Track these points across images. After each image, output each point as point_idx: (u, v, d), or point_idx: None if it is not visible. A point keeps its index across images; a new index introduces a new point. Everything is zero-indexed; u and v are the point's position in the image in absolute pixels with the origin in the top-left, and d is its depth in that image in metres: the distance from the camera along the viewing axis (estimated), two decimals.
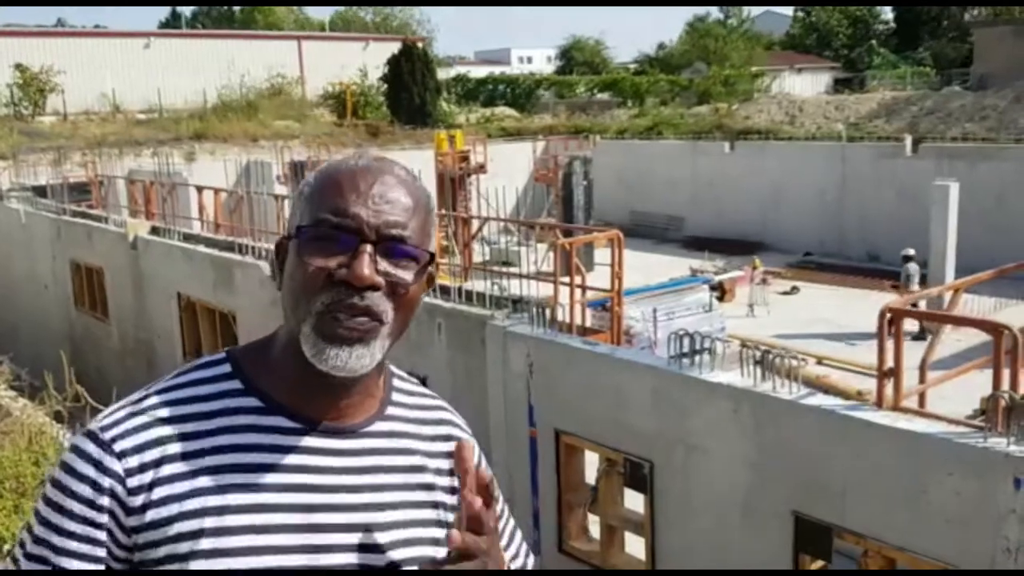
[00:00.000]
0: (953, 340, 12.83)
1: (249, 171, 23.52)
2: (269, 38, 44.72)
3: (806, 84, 50.99)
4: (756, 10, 65.78)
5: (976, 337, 11.23)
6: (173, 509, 1.22)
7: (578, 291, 9.98)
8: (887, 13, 61.51)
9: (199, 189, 18.56)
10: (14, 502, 4.63)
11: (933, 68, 49.78)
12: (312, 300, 1.24)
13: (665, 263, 22.97)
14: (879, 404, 6.49)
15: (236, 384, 1.32)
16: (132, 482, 1.22)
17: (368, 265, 1.22)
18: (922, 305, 13.71)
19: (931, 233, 17.70)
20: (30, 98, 32.21)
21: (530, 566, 1.52)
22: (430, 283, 1.35)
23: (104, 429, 1.26)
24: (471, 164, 27.28)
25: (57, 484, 1.24)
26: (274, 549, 1.23)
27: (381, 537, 1.29)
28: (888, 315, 6.55)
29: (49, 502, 1.24)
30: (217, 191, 18.59)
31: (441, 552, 1.26)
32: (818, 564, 6.63)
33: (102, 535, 1.22)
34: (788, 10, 67.98)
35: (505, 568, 1.29)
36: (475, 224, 19.38)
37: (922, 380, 7.58)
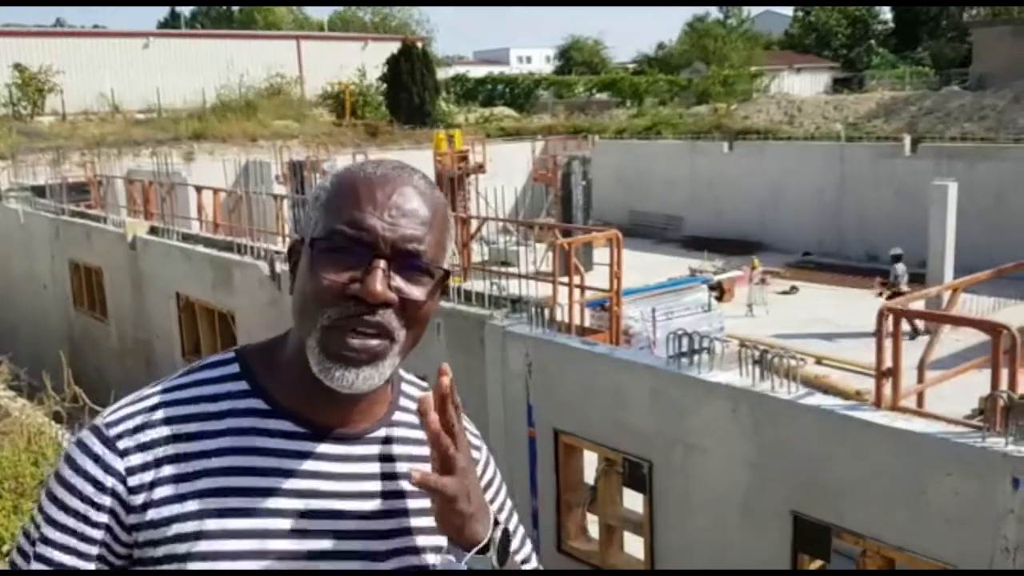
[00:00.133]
0: (952, 340, 12.84)
1: (248, 171, 23.51)
2: (268, 38, 44.72)
3: (805, 84, 51.01)
4: (756, 10, 65.87)
5: (975, 337, 11.23)
6: (173, 509, 1.22)
7: (577, 291, 9.97)
8: (886, 13, 61.62)
9: (198, 189, 18.57)
10: (13, 502, 4.63)
11: (932, 68, 49.83)
12: (320, 314, 1.21)
13: (664, 263, 22.97)
14: (878, 404, 6.50)
15: (243, 385, 1.30)
16: (133, 480, 1.22)
17: (381, 281, 1.19)
18: (915, 305, 13.69)
19: (930, 233, 17.70)
20: (29, 98, 32.21)
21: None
22: (444, 292, 1.33)
23: (109, 426, 1.26)
24: (470, 164, 27.27)
25: (60, 478, 1.25)
26: (270, 554, 1.22)
27: (380, 545, 1.27)
28: (888, 315, 6.56)
29: (52, 495, 1.25)
30: (216, 191, 18.59)
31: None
32: (817, 564, 6.63)
33: (99, 533, 1.22)
34: (787, 10, 68.12)
35: (486, 509, 1.26)
36: (474, 224, 19.35)
37: (920, 380, 7.58)
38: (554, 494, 8.53)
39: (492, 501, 1.41)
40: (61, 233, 17.83)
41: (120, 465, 1.22)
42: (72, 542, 1.22)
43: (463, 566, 1.23)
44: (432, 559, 1.30)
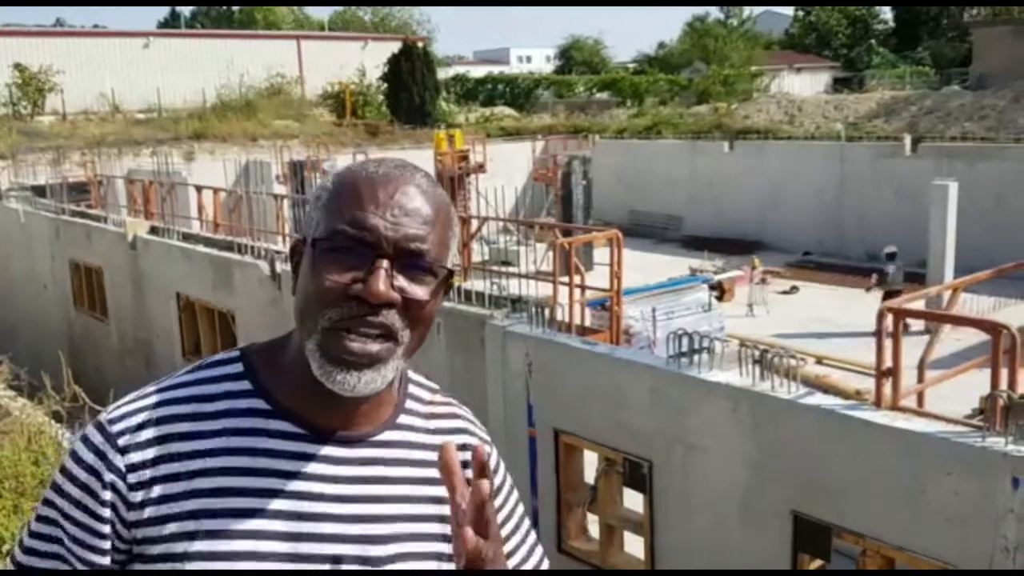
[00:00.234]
0: (952, 340, 12.84)
1: (248, 171, 23.50)
2: (268, 38, 44.73)
3: (805, 84, 51.01)
4: (756, 10, 65.87)
5: (975, 336, 11.23)
6: (170, 508, 1.22)
7: (577, 291, 9.98)
8: (886, 13, 61.62)
9: (198, 189, 18.57)
10: (13, 502, 4.63)
11: (932, 68, 49.81)
12: (320, 315, 1.20)
13: (664, 263, 22.96)
14: (878, 404, 6.50)
15: (245, 385, 1.29)
16: (132, 478, 1.22)
17: (384, 281, 1.18)
18: (915, 304, 13.68)
19: (930, 233, 17.69)
20: (29, 98, 32.20)
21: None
22: (448, 290, 1.31)
23: (111, 422, 1.26)
24: (470, 164, 27.28)
25: (65, 471, 1.26)
26: (267, 556, 1.21)
27: (378, 550, 1.26)
28: (888, 315, 6.56)
29: (58, 488, 1.26)
30: (216, 191, 18.59)
31: (444, 567, 1.26)
32: (817, 564, 6.63)
33: (105, 528, 1.23)
34: (788, 10, 68.12)
35: (503, 560, 1.22)
36: (474, 224, 19.35)
37: (921, 380, 7.58)
38: (554, 494, 8.53)
39: (501, 508, 1.39)
40: (61, 233, 17.83)
41: (120, 462, 1.23)
42: (79, 533, 1.23)
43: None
44: (432, 566, 1.28)
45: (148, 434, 1.24)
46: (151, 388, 1.30)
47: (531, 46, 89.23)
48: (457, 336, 9.60)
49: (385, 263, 1.19)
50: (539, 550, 1.47)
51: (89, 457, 1.24)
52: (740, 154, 27.91)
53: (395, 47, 38.03)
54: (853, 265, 23.18)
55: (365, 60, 39.34)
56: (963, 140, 25.09)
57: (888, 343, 6.50)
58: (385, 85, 37.14)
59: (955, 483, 5.59)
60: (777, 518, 6.63)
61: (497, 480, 1.40)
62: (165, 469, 1.23)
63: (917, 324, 14.14)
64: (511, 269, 12.21)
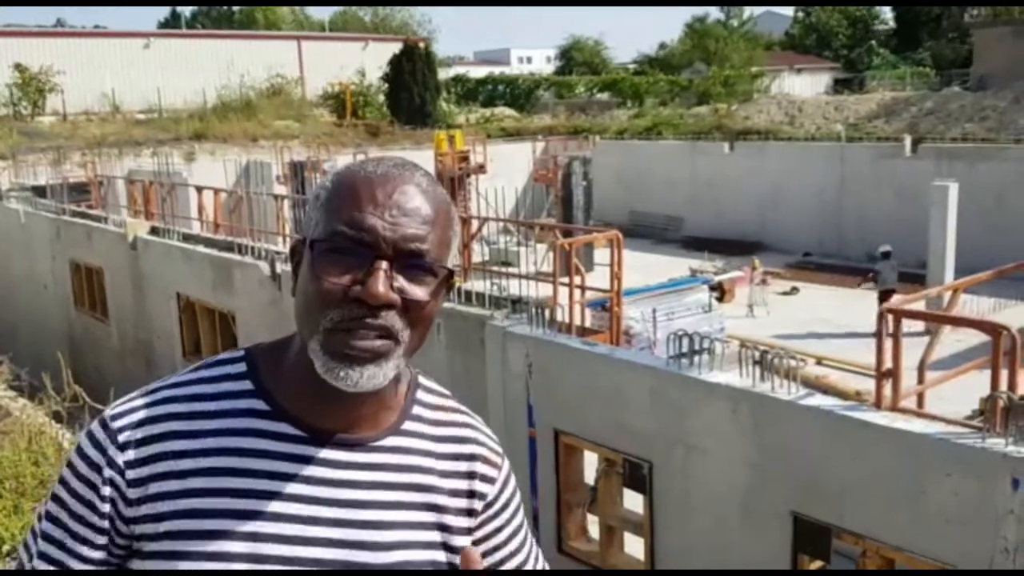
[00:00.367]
0: (952, 340, 12.84)
1: (249, 171, 23.53)
2: (268, 38, 44.74)
3: (806, 84, 50.99)
4: (756, 10, 65.87)
5: (975, 337, 11.23)
6: (166, 506, 1.22)
7: (577, 291, 9.98)
8: (887, 14, 61.61)
9: (199, 189, 18.57)
10: (13, 502, 4.63)
11: (933, 69, 49.80)
12: (322, 316, 1.19)
13: (664, 263, 22.96)
14: (878, 405, 6.50)
15: (247, 385, 1.29)
16: (131, 474, 1.23)
17: (383, 283, 1.17)
18: (915, 305, 13.69)
19: (930, 233, 17.69)
20: (29, 98, 32.20)
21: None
22: (449, 289, 1.30)
23: (114, 418, 1.26)
24: (471, 164, 27.29)
25: (71, 466, 1.27)
26: (261, 558, 1.21)
27: (374, 557, 1.25)
28: (889, 316, 6.56)
29: (63, 482, 1.27)
30: (217, 191, 18.60)
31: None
32: (817, 564, 6.63)
33: (104, 523, 1.24)
34: (788, 10, 68.16)
35: None
36: (474, 224, 19.36)
37: (921, 381, 7.58)
38: (554, 494, 8.53)
39: (508, 525, 1.39)
40: (62, 233, 17.84)
41: (120, 459, 1.23)
42: (79, 528, 1.24)
43: None
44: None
45: (147, 431, 1.25)
46: (154, 386, 1.30)
47: (531, 47, 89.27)
48: (457, 336, 9.60)
49: (384, 264, 1.18)
50: (540, 561, 1.47)
51: (91, 453, 1.25)
52: (740, 155, 27.91)
53: (396, 48, 38.05)
54: (853, 266, 23.16)
55: (366, 60, 39.35)
56: (963, 141, 25.09)
57: (888, 344, 6.50)
58: (385, 85, 37.15)
59: (955, 484, 5.59)
60: (777, 519, 6.63)
61: (505, 495, 1.39)
62: (162, 467, 1.23)
63: (917, 325, 14.16)
64: (511, 270, 12.22)
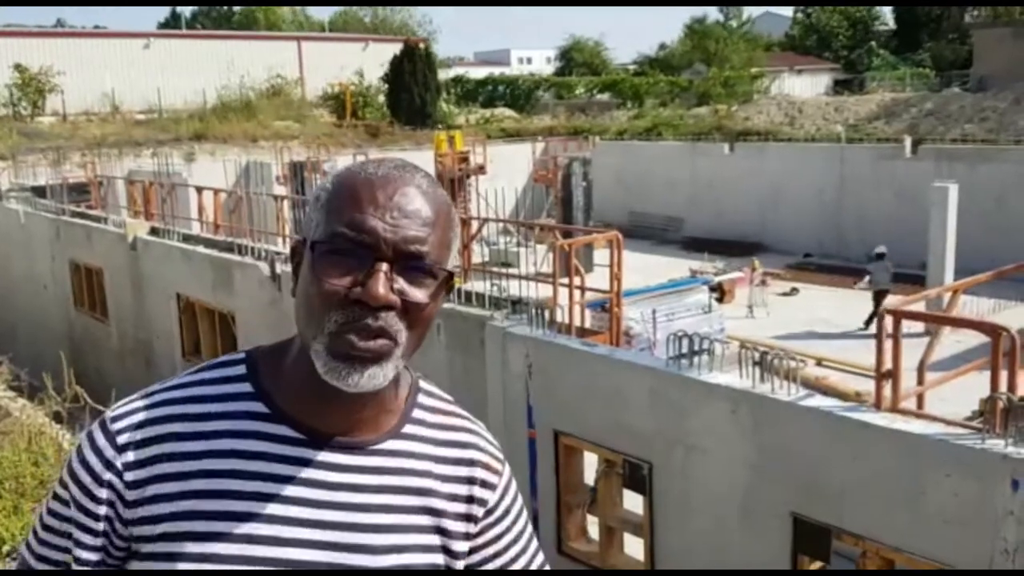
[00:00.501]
0: (952, 341, 12.84)
1: (248, 172, 23.53)
2: (268, 39, 44.76)
3: (805, 85, 51.00)
4: (756, 11, 65.89)
5: (975, 339, 11.24)
6: (164, 508, 1.22)
7: (577, 292, 9.98)
8: (887, 14, 61.62)
9: (198, 190, 18.57)
10: (13, 502, 4.63)
11: (933, 70, 49.82)
12: (325, 318, 1.19)
13: (664, 264, 22.97)
14: (877, 405, 6.50)
15: (246, 387, 1.29)
16: (129, 476, 1.23)
17: (384, 284, 1.17)
18: (915, 306, 13.69)
19: (930, 235, 17.70)
20: (29, 98, 32.21)
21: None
22: (448, 291, 1.30)
23: (113, 420, 1.27)
24: (470, 165, 27.29)
25: (70, 468, 1.27)
26: (258, 560, 1.21)
27: (371, 560, 1.25)
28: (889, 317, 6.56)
29: (63, 483, 1.28)
30: (216, 192, 18.59)
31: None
32: (817, 565, 6.63)
33: (102, 525, 1.24)
34: (788, 11, 68.13)
35: None
36: (474, 225, 19.38)
37: (920, 381, 7.58)
38: (554, 495, 8.53)
39: (508, 532, 1.38)
40: (61, 233, 17.84)
41: (118, 461, 1.24)
42: (77, 530, 1.26)
43: None
44: None
45: (146, 433, 1.25)
46: (154, 388, 1.31)
47: (531, 47, 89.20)
48: (457, 337, 9.60)
49: (384, 266, 1.18)
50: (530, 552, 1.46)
51: (90, 455, 1.25)
52: (740, 156, 27.92)
53: (396, 48, 38.06)
54: (853, 267, 23.14)
55: (366, 61, 39.36)
56: (963, 142, 25.09)
57: (888, 345, 6.51)
58: (385, 86, 37.16)
59: (954, 485, 5.59)
60: (777, 520, 6.63)
61: (506, 502, 1.39)
62: (160, 469, 1.23)
63: (917, 326, 14.16)
64: (511, 270, 12.22)
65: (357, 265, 1.19)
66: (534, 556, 1.43)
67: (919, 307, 13.47)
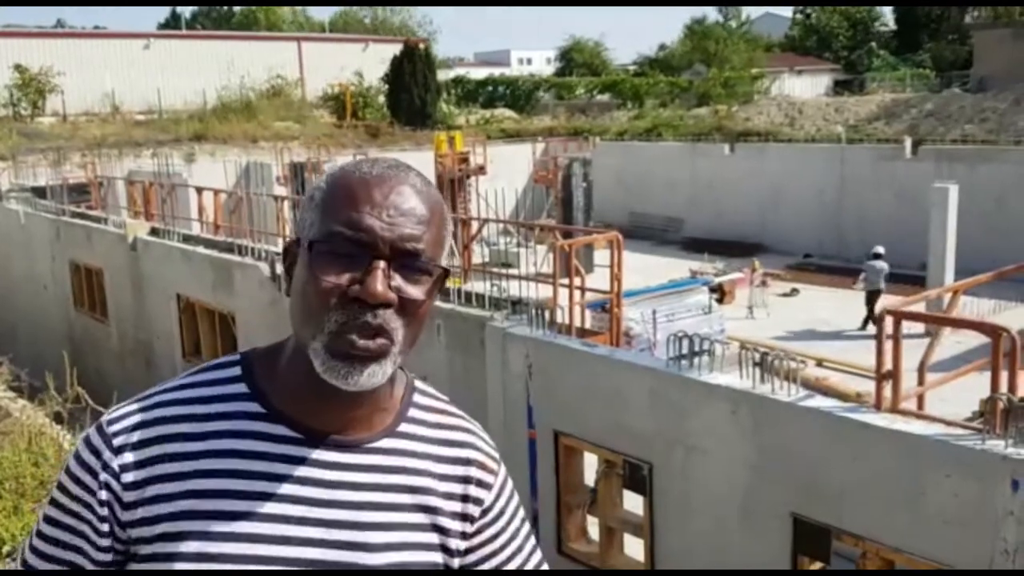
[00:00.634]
0: (952, 342, 12.84)
1: (249, 172, 23.52)
2: (269, 39, 44.76)
3: (806, 86, 51.01)
4: (756, 12, 65.88)
5: (975, 339, 11.24)
6: (163, 509, 1.23)
7: (577, 293, 9.98)
8: (887, 15, 61.63)
9: (199, 190, 18.57)
10: (14, 503, 4.62)
11: (933, 70, 49.82)
12: (324, 318, 1.20)
13: (664, 265, 22.97)
14: (878, 406, 6.50)
15: (242, 388, 1.30)
16: (127, 478, 1.23)
17: (382, 282, 1.18)
18: (915, 307, 13.69)
19: (930, 235, 17.70)
20: (29, 99, 32.21)
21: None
22: (442, 289, 1.31)
23: (110, 423, 1.27)
24: (471, 165, 27.28)
25: (68, 471, 1.28)
26: (256, 559, 1.22)
27: (368, 558, 1.25)
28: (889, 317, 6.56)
29: (61, 487, 1.28)
30: (217, 192, 18.59)
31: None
32: (817, 566, 6.63)
33: (104, 526, 1.24)
34: (788, 11, 68.09)
35: None
36: (475, 225, 19.39)
37: (921, 382, 7.58)
38: (554, 496, 8.53)
39: (504, 532, 1.38)
40: (62, 234, 17.84)
41: (115, 462, 1.24)
42: (75, 532, 1.26)
43: None
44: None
45: (143, 435, 1.25)
46: (153, 390, 1.31)
47: (532, 48, 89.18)
48: (457, 337, 9.60)
49: (382, 264, 1.19)
50: (541, 567, 1.46)
51: (88, 457, 1.26)
52: (740, 156, 27.93)
53: (396, 49, 38.06)
54: (853, 268, 23.12)
55: (366, 62, 39.36)
56: (964, 143, 25.09)
57: (888, 345, 6.51)
58: (386, 86, 37.17)
59: (955, 485, 5.59)
60: (777, 520, 6.63)
61: (501, 502, 1.39)
62: (158, 470, 1.24)
63: (917, 327, 14.17)
64: (511, 271, 12.22)
65: (354, 264, 1.20)
66: (531, 555, 1.43)
67: (919, 308, 13.48)
